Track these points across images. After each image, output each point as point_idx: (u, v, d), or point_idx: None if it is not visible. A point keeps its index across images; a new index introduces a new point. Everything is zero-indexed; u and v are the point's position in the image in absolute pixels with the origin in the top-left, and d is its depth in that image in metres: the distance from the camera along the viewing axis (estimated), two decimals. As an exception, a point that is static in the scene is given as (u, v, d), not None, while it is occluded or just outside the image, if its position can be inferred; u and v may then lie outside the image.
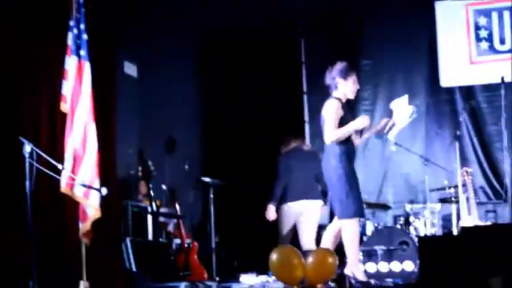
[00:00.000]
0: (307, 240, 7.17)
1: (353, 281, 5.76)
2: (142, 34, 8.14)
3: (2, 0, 5.50)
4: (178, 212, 7.74)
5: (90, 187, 5.28)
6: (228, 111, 9.58)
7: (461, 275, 4.52)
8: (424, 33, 9.20)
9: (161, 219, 7.80)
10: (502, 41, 8.88)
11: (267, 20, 9.15)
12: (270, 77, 9.47)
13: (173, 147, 8.47)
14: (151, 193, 7.39)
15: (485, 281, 4.42)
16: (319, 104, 6.26)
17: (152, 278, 6.43)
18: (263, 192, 7.31)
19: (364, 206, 6.56)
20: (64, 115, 5.49)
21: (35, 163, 4.88)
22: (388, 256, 7.54)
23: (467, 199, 7.76)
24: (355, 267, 5.93)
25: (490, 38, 8.91)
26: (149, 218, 7.46)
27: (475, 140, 8.97)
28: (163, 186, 8.06)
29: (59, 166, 5.12)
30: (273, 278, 6.32)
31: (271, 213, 7.19)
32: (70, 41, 5.53)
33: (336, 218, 6.02)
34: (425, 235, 7.73)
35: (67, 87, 5.50)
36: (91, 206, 5.35)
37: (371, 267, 7.54)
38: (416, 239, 7.42)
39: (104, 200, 5.37)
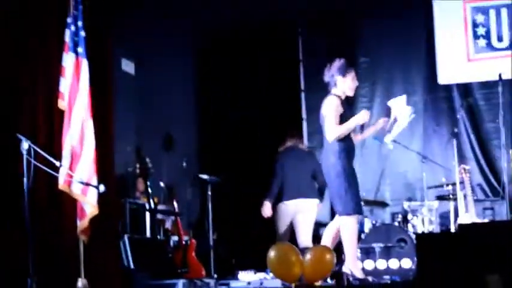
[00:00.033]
0: (304, 239, 7.18)
1: (351, 278, 5.77)
2: (139, 31, 8.13)
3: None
4: (176, 209, 7.73)
5: (88, 184, 5.28)
6: (226, 109, 9.58)
7: (459, 272, 4.53)
8: (422, 31, 9.20)
9: (159, 216, 7.80)
10: (500, 38, 8.88)
11: (267, 20, 9.16)
12: (269, 76, 9.47)
13: (171, 145, 8.47)
14: (149, 190, 7.39)
15: (483, 279, 4.43)
16: (317, 101, 6.26)
17: (150, 275, 6.42)
18: (261, 189, 7.32)
19: (362, 203, 6.57)
20: (62, 112, 5.49)
21: (32, 160, 4.88)
22: (386, 253, 7.56)
23: (465, 196, 7.77)
24: (353, 265, 5.93)
25: (487, 36, 8.91)
26: (147, 215, 7.46)
27: (472, 137, 8.98)
28: (161, 184, 8.06)
29: (57, 163, 5.12)
30: (271, 275, 6.32)
31: (266, 209, 7.21)
32: (68, 38, 5.52)
33: (337, 216, 6.02)
34: (423, 232, 7.75)
35: (65, 85, 5.49)
36: (89, 203, 5.34)
37: (369, 264, 7.55)
38: (414, 237, 7.43)
39: (101, 197, 5.37)
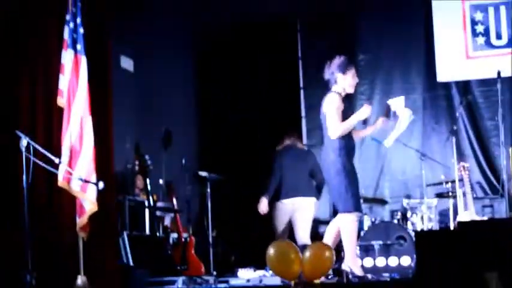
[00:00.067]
0: (302, 236, 7.18)
1: (350, 276, 5.76)
2: (138, 28, 8.13)
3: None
4: (175, 207, 7.74)
5: (87, 181, 5.28)
6: (226, 111, 9.60)
7: (458, 269, 4.54)
8: (421, 29, 9.20)
9: (158, 213, 7.80)
10: (499, 36, 8.88)
11: (267, 20, 9.15)
12: (269, 78, 9.47)
13: (170, 142, 8.46)
14: (148, 187, 7.39)
15: (482, 276, 4.44)
16: (316, 98, 6.25)
17: (149, 272, 6.41)
18: (260, 187, 7.32)
19: (361, 200, 6.56)
20: (61, 109, 5.48)
21: (31, 157, 4.87)
22: (385, 251, 7.56)
23: (464, 194, 7.78)
24: (353, 262, 5.93)
25: (486, 33, 8.92)
26: (146, 212, 7.46)
27: (471, 134, 8.99)
28: (160, 181, 8.06)
29: (56, 160, 5.12)
30: (270, 272, 6.32)
31: (263, 205, 7.21)
32: (66, 35, 5.50)
33: (339, 214, 6.02)
34: (422, 230, 7.75)
35: (63, 82, 5.48)
36: (88, 200, 5.34)
37: (368, 262, 7.55)
38: (413, 234, 7.43)
39: (100, 194, 5.36)
